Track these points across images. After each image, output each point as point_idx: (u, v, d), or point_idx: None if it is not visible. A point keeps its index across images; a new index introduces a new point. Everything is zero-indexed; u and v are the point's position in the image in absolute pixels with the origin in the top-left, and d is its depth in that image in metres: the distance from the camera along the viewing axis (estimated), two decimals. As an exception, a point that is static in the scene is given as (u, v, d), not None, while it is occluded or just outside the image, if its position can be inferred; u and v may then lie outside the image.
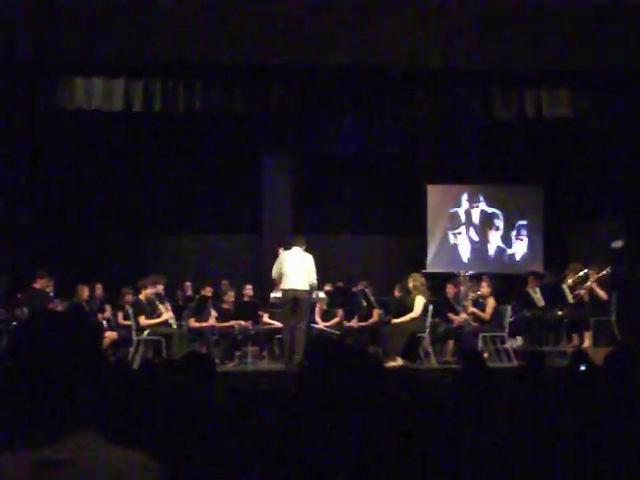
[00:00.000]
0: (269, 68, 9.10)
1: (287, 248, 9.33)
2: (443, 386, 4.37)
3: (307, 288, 9.07)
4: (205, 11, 8.45)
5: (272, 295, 10.71)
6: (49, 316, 1.63)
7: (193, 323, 9.87)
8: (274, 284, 11.06)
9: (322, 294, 10.28)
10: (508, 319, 9.87)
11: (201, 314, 9.93)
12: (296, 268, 9.03)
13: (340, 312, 10.57)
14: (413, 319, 9.40)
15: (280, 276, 9.13)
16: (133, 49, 8.43)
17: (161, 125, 11.83)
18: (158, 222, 13.28)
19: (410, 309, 9.43)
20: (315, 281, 9.12)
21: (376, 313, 10.33)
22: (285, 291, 9.06)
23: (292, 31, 8.58)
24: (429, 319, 9.63)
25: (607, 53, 8.87)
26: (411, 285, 9.58)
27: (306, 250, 9.19)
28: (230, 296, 10.44)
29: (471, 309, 10.03)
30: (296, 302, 9.00)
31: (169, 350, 9.01)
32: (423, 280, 9.68)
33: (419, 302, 9.43)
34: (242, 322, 10.05)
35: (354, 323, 10.49)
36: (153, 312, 9.39)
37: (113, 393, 3.12)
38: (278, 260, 9.26)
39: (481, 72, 9.27)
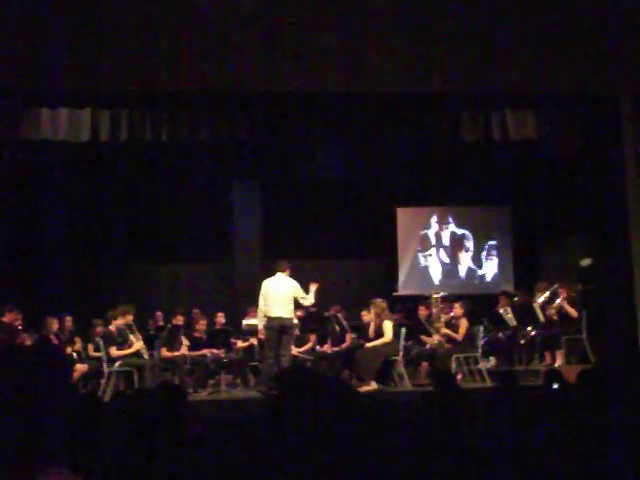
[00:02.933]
0: (236, 96, 9.13)
1: (270, 275, 9.34)
2: (417, 408, 4.38)
3: (292, 315, 9.15)
4: (170, 41, 8.47)
5: (245, 322, 10.66)
6: (16, 351, 1.62)
7: (165, 353, 9.79)
8: (246, 311, 11.03)
9: (294, 320, 10.25)
10: (481, 340, 9.91)
11: (173, 343, 9.85)
12: (280, 296, 9.05)
13: (313, 337, 10.55)
14: (385, 343, 9.42)
15: (265, 305, 9.13)
16: (98, 79, 8.42)
17: (128, 155, 11.80)
18: (127, 252, 13.20)
19: (381, 334, 9.47)
20: (307, 301, 9.22)
21: (349, 338, 10.33)
22: (271, 319, 9.06)
23: (259, 58, 8.63)
24: (402, 342, 9.65)
25: (569, 76, 9.04)
26: (373, 312, 9.63)
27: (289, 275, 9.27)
28: (202, 324, 10.38)
29: (444, 330, 10.07)
30: (282, 330, 9.03)
31: (141, 381, 8.93)
32: (384, 305, 9.73)
33: (388, 326, 9.46)
34: (214, 350, 9.99)
35: (327, 348, 10.47)
36: (124, 343, 9.30)
37: (84, 427, 3.09)
38: (262, 288, 9.23)
39: (448, 96, 9.39)
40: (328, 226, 13.56)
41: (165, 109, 9.17)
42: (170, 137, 9.22)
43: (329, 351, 10.38)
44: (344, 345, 10.28)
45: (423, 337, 10.29)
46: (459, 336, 9.88)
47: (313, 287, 9.37)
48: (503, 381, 5.03)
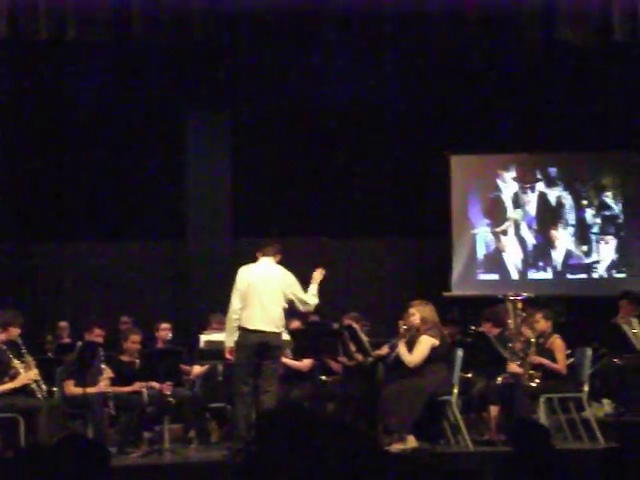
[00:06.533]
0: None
1: (248, 261, 9.39)
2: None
3: (282, 329, 9.23)
4: None
5: (204, 338, 10.66)
6: None
7: (73, 388, 9.77)
8: (205, 321, 11.01)
9: (285, 335, 10.28)
10: (588, 371, 9.88)
11: (85, 373, 9.85)
12: (267, 296, 9.08)
13: (313, 363, 10.55)
14: (416, 368, 9.43)
15: (242, 309, 9.14)
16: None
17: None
18: (11, 226, 13.19)
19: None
20: (309, 305, 9.33)
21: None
22: (247, 333, 9.06)
23: None
24: (457, 372, 9.64)
25: None
26: (413, 319, 9.64)
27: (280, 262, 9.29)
28: (134, 342, 10.34)
29: (535, 359, 10.01)
30: (264, 352, 9.06)
31: (32, 434, 8.91)
32: (430, 309, 9.72)
33: (424, 344, 9.47)
34: (154, 384, 9.99)
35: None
36: (3, 373, 9.30)
37: None
38: (237, 280, 9.25)
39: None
40: (337, 185, 13.51)
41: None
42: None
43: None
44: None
45: (497, 365, 10.26)
46: (559, 366, 9.84)
47: (316, 278, 9.37)
48: (627, 439, 4.99)
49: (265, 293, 9.11)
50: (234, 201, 13.16)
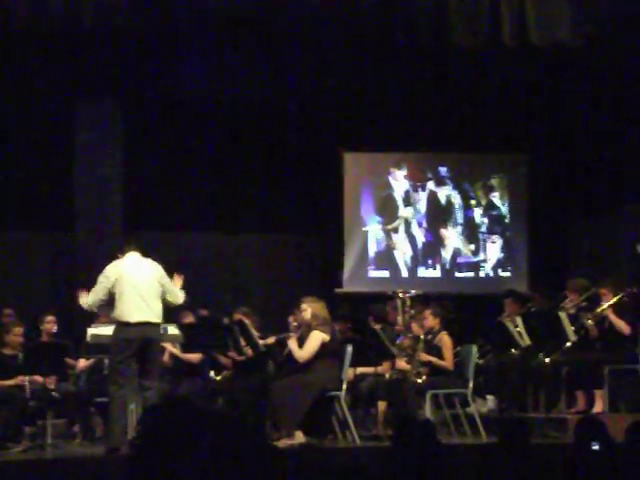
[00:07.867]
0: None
1: (121, 254, 9.26)
2: (371, 475, 4.35)
3: (160, 320, 9.10)
4: None
5: (91, 331, 10.54)
6: None
7: (-49, 382, 9.63)
8: (96, 315, 10.90)
9: (174, 329, 10.21)
10: (473, 367, 9.99)
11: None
12: (145, 290, 8.97)
13: (202, 358, 10.50)
14: (305, 364, 9.44)
15: (105, 302, 9.03)
16: None
17: None
18: None
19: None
20: (179, 298, 9.25)
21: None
22: (127, 327, 8.92)
23: None
24: (347, 368, 9.67)
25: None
26: (304, 315, 9.70)
27: (145, 256, 9.17)
28: (16, 335, 10.20)
29: (423, 357, 10.10)
30: (146, 345, 8.95)
31: None
32: (321, 305, 9.77)
33: (314, 339, 9.51)
34: (37, 378, 9.84)
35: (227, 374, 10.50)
36: None
37: None
38: (107, 275, 9.10)
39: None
40: (229, 178, 13.45)
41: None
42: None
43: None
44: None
45: (384, 362, 10.31)
46: (447, 363, 9.96)
47: (177, 283, 9.33)
48: (508, 434, 5.06)
49: (141, 284, 8.97)
50: (125, 192, 12.99)
